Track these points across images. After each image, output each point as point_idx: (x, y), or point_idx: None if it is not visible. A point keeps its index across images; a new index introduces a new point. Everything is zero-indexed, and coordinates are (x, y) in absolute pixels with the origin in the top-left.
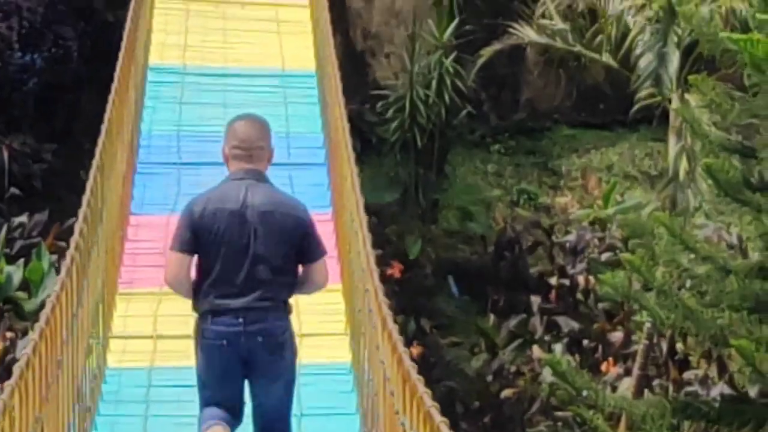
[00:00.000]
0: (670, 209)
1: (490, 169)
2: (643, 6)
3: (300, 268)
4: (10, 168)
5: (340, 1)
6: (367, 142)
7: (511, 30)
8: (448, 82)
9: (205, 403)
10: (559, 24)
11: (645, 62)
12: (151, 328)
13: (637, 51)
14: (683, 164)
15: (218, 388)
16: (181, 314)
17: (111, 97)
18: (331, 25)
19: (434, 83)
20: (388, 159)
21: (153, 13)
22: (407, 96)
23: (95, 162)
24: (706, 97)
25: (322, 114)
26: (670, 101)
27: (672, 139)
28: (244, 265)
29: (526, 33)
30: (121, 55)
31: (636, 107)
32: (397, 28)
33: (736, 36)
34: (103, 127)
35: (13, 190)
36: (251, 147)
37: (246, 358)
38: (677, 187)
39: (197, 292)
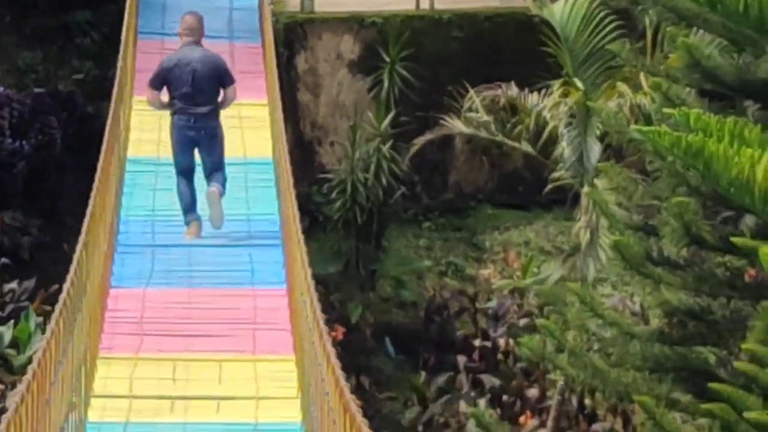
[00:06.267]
0: (581, 280)
1: (421, 244)
2: (558, 102)
3: (221, 92)
4: (1, 240)
5: (292, 96)
6: (314, 219)
7: (441, 122)
8: (385, 166)
9: (177, 168)
10: (483, 116)
11: (563, 152)
12: (127, 389)
13: (563, 143)
14: (585, 239)
15: (181, 156)
16: (153, 377)
17: (95, 185)
18: (283, 119)
19: (373, 168)
20: (333, 234)
21: (131, 113)
22: (349, 179)
23: (81, 239)
24: (613, 181)
25: (278, 197)
26: (582, 185)
27: (583, 218)
28: (192, 92)
29: (455, 124)
30: (103, 148)
31: (548, 188)
32: (341, 119)
33: (645, 128)
34: (88, 211)
35: (4, 259)
36: (193, 29)
37: (195, 140)
38: (581, 258)
39: (170, 104)
